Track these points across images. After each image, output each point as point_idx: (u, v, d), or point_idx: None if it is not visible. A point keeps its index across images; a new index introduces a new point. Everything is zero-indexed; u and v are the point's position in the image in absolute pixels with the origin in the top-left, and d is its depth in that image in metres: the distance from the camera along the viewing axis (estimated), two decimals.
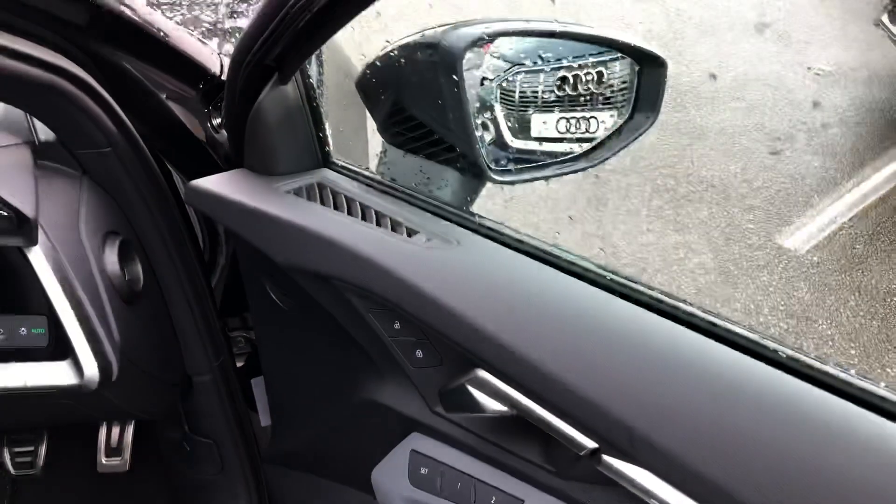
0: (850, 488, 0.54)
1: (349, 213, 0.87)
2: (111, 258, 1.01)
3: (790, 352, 0.61)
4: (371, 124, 1.01)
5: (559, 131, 1.05)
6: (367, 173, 0.94)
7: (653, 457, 0.61)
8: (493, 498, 0.78)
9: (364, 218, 0.85)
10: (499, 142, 0.99)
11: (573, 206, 3.22)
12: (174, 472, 1.47)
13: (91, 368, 0.94)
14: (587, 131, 1.04)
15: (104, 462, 1.62)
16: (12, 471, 1.51)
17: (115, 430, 1.63)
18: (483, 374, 0.73)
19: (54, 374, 0.95)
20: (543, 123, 1.04)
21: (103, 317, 0.97)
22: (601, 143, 0.99)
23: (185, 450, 1.40)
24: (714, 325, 0.64)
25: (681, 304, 0.66)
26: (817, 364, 0.59)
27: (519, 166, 0.96)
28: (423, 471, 0.84)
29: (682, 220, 3.18)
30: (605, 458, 0.65)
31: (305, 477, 1.16)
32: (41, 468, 1.52)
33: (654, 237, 3.06)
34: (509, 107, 1.02)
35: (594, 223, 3.14)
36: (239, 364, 1.35)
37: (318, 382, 1.04)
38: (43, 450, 1.53)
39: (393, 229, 0.83)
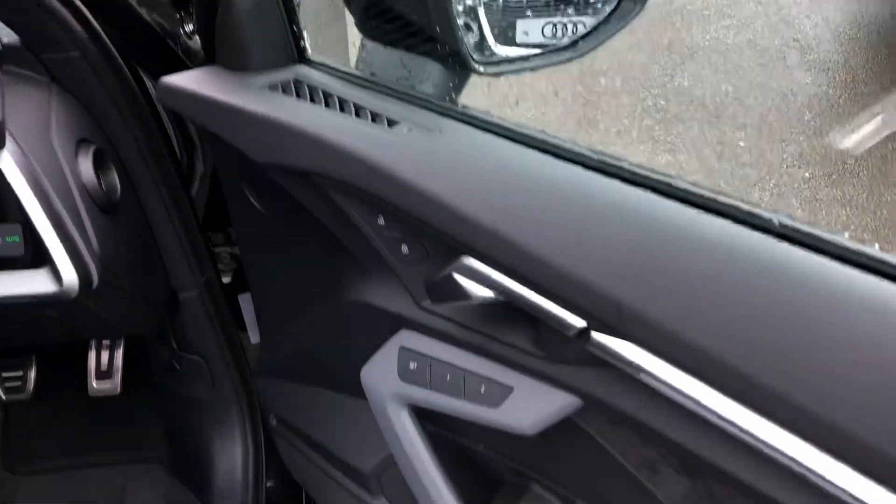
0: (851, 348, 0.52)
1: (327, 106, 0.83)
2: (86, 166, 0.98)
3: (783, 219, 0.59)
4: (349, 18, 0.97)
5: (545, 36, 1.01)
6: (344, 69, 0.91)
7: (642, 330, 0.60)
8: (483, 387, 0.77)
9: (342, 111, 0.82)
10: (482, 46, 0.96)
11: (563, 129, 3.17)
12: (165, 392, 1.47)
13: (70, 275, 0.92)
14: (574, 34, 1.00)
15: (95, 386, 1.61)
16: (3, 395, 1.50)
17: (105, 354, 1.63)
18: (469, 260, 0.71)
19: (32, 282, 0.93)
20: (525, 34, 1.00)
21: (80, 225, 0.95)
22: (588, 33, 0.96)
23: (174, 368, 1.39)
24: (702, 196, 0.62)
25: (666, 178, 0.64)
26: (811, 230, 0.57)
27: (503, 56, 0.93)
28: (412, 366, 0.83)
29: (672, 140, 3.14)
30: (595, 336, 0.64)
31: (296, 387, 1.15)
32: (31, 393, 1.52)
33: (645, 157, 3.03)
34: (493, 9, 0.98)
35: (584, 144, 3.10)
36: (225, 280, 1.34)
37: (303, 289, 1.02)
38: (32, 374, 1.52)
39: (373, 120, 0.80)
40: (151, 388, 1.55)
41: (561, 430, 0.80)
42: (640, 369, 0.61)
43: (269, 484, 1.42)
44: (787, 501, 0.59)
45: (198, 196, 1.32)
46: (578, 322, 0.64)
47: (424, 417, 0.87)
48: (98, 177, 1.00)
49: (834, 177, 2.95)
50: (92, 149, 0.99)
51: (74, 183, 0.96)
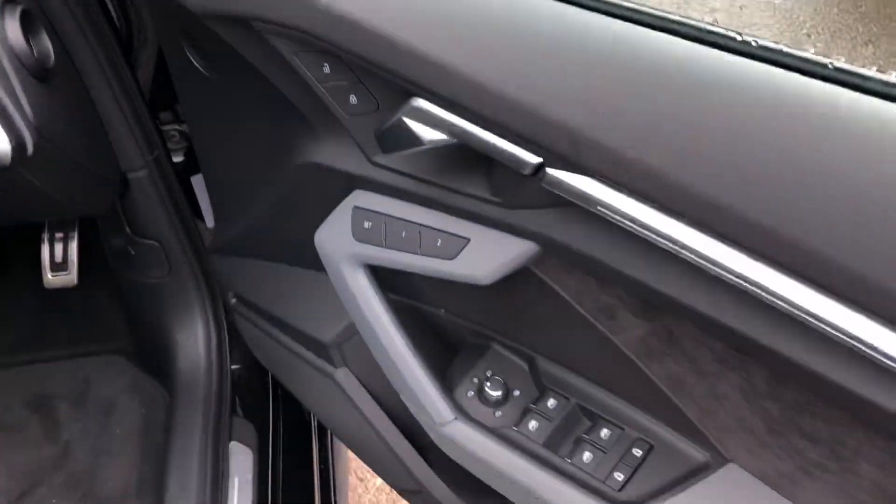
0: (818, 166, 0.50)
1: None
2: (12, 27, 0.92)
3: (763, 42, 0.55)
4: None
5: None
6: None
7: (599, 160, 0.57)
8: (439, 240, 0.74)
9: None
10: None
11: None
12: (123, 280, 1.43)
13: (2, 142, 0.87)
14: None
15: (50, 278, 1.58)
16: None
17: (59, 246, 1.59)
18: (419, 102, 0.67)
19: None
20: None
21: (10, 89, 0.89)
22: None
23: (130, 255, 1.35)
24: (659, 16, 0.58)
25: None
26: (797, 52, 0.54)
27: None
28: (367, 224, 0.80)
29: None
30: (550, 172, 0.61)
31: (253, 263, 1.12)
32: None
33: None
34: None
35: None
36: (177, 160, 1.29)
37: (253, 157, 0.98)
38: None
39: None
40: (109, 279, 1.52)
41: (518, 283, 0.79)
42: (598, 203, 0.59)
43: (234, 367, 1.41)
44: (748, 331, 0.58)
45: (143, 74, 1.26)
46: (532, 158, 0.62)
47: (384, 287, 0.85)
48: (28, 41, 0.94)
49: None
50: (19, 9, 0.93)
51: (2, 45, 0.90)
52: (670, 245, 0.57)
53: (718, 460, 0.75)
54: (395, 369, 0.84)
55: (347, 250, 0.81)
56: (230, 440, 1.34)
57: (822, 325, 0.52)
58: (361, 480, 1.84)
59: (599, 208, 0.59)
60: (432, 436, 0.87)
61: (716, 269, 0.55)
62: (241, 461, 1.32)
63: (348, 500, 1.64)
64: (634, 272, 0.62)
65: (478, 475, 0.86)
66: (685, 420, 0.75)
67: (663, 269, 0.61)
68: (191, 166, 1.30)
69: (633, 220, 0.58)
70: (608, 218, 0.60)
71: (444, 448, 0.87)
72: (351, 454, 1.53)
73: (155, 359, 1.48)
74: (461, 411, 0.84)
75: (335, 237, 0.83)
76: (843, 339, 0.52)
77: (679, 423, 0.76)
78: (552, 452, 0.80)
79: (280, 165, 0.91)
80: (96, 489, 1.41)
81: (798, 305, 0.53)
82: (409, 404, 0.87)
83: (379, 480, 1.82)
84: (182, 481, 1.25)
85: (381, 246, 0.79)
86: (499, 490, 0.85)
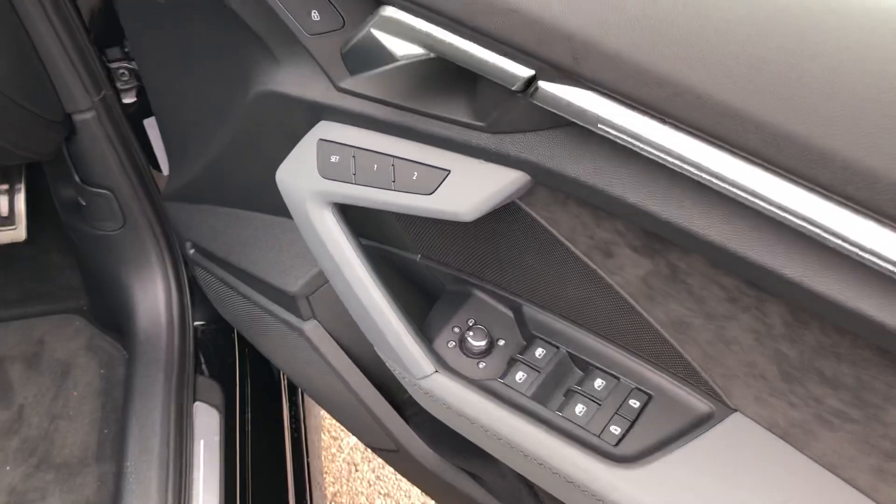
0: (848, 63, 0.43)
1: None
2: None
3: None
4: None
5: None
6: None
7: (601, 67, 0.50)
8: (415, 173, 0.66)
9: None
10: None
11: None
12: (75, 234, 1.34)
13: None
14: None
15: None
16: None
17: (4, 200, 1.48)
18: (390, 11, 0.59)
19: None
20: None
21: None
22: None
23: (81, 206, 1.26)
24: None
25: None
26: None
27: None
28: (333, 159, 0.72)
29: None
30: (543, 86, 0.53)
31: (212, 209, 1.03)
32: None
33: None
34: None
35: None
36: (128, 101, 1.19)
37: (207, 91, 0.89)
38: None
39: None
40: (61, 232, 1.43)
41: (503, 220, 0.71)
42: (598, 120, 0.51)
43: (198, 324, 1.33)
44: (769, 262, 0.51)
45: (86, 6, 1.15)
46: (524, 71, 0.54)
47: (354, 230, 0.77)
48: None
49: None
50: None
51: None
52: (682, 165, 0.49)
53: (723, 410, 0.69)
54: (369, 320, 0.77)
55: (313, 188, 0.73)
56: (194, 400, 1.26)
57: (857, 250, 0.46)
58: (335, 440, 1.77)
59: (600, 126, 0.52)
60: (411, 391, 0.80)
61: (734, 189, 0.48)
62: (207, 422, 1.25)
63: (321, 461, 1.58)
64: (639, 199, 0.55)
65: (461, 432, 0.80)
66: (687, 367, 0.68)
67: (672, 195, 0.54)
68: (143, 108, 1.20)
69: (639, 138, 0.50)
70: (610, 137, 0.52)
71: (423, 404, 0.80)
72: (324, 412, 1.46)
73: (112, 316, 1.39)
74: (441, 363, 0.77)
75: (299, 174, 0.75)
76: (880, 265, 0.45)
77: (680, 371, 0.70)
78: (541, 405, 0.73)
79: (236, 98, 0.82)
80: (53, 455, 1.33)
81: (828, 228, 0.46)
82: (384, 358, 0.80)
83: (353, 439, 1.76)
84: (143, 444, 1.18)
85: (350, 182, 0.71)
86: (484, 448, 0.79)
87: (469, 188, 0.64)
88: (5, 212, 1.45)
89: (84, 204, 1.25)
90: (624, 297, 0.68)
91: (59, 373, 1.44)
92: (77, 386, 1.42)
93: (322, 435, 1.77)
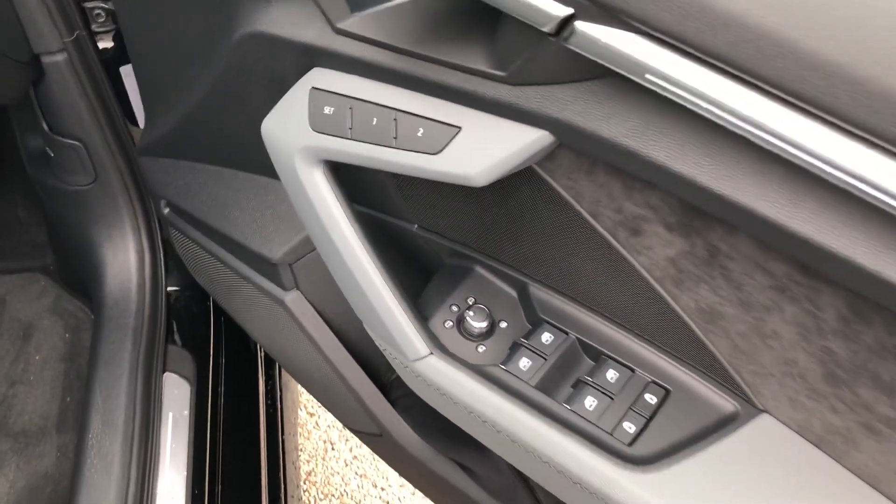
0: None
1: None
2: None
3: None
4: None
5: None
6: None
7: (656, 3, 0.42)
8: (421, 130, 0.58)
9: None
10: None
11: None
12: (43, 188, 1.24)
13: None
14: None
15: None
16: None
17: None
18: None
19: None
20: None
21: None
22: None
23: (49, 157, 1.17)
24: None
25: None
26: None
27: None
28: (327, 110, 0.63)
29: None
30: (580, 27, 0.45)
31: (189, 165, 0.95)
32: None
33: None
34: None
35: None
36: (103, 45, 1.09)
37: (187, 32, 0.80)
38: None
39: None
40: (28, 186, 1.33)
41: (514, 188, 0.64)
42: (646, 69, 0.44)
43: (171, 289, 1.25)
44: (834, 244, 0.44)
45: None
46: (560, 10, 0.46)
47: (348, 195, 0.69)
48: None
49: None
50: None
51: None
52: (746, 127, 0.42)
53: (750, 410, 0.61)
54: (359, 293, 0.69)
55: (302, 142, 0.65)
56: (164, 371, 1.18)
57: None
58: (312, 416, 1.70)
59: (648, 77, 0.44)
60: (401, 373, 0.73)
61: (805, 157, 0.41)
62: (177, 395, 1.17)
63: (297, 438, 1.50)
64: (686, 167, 0.47)
65: (455, 420, 0.72)
66: (713, 361, 0.61)
67: (724, 163, 0.46)
68: (120, 55, 1.11)
69: (696, 93, 0.43)
70: (659, 91, 0.44)
71: (414, 388, 0.73)
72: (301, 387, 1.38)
73: (80, 277, 1.30)
74: (437, 345, 0.69)
75: (287, 126, 0.66)
76: None
77: (705, 366, 0.63)
78: (547, 396, 0.66)
79: (220, 40, 0.73)
80: (10, 422, 1.25)
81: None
82: (374, 336, 0.73)
83: (332, 416, 1.69)
84: (107, 416, 1.10)
85: (346, 137, 0.62)
86: (479, 439, 0.71)
87: (482, 149, 0.56)
88: None
89: (52, 155, 1.16)
90: (647, 280, 0.60)
91: (21, 335, 1.35)
92: (40, 349, 1.33)
93: (298, 411, 1.69)
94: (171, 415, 1.15)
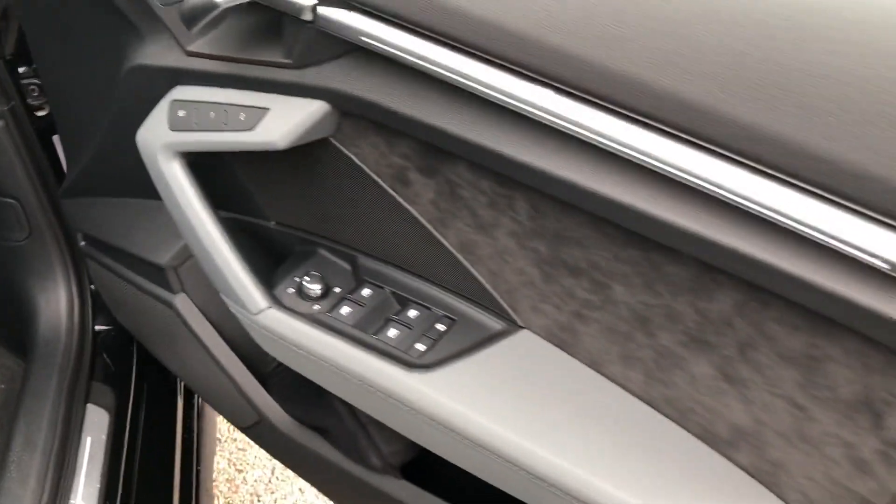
0: None
1: None
2: None
3: None
4: None
5: None
6: None
7: None
8: (242, 115, 0.77)
9: None
10: None
11: None
12: None
13: None
14: None
15: None
16: None
17: None
18: None
19: None
20: None
21: None
22: None
23: None
24: None
25: None
26: None
27: None
28: (181, 114, 0.82)
29: None
30: (322, 11, 0.65)
31: (100, 200, 1.13)
32: None
33: None
34: None
35: None
36: (39, 114, 1.29)
37: (91, 79, 1.00)
38: None
39: None
40: None
41: (327, 165, 0.81)
42: (377, 40, 0.63)
43: (99, 328, 1.39)
44: (507, 149, 0.62)
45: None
46: (309, 0, 0.65)
47: (215, 205, 0.87)
48: None
49: None
50: None
51: None
52: (437, 71, 0.61)
53: (512, 328, 0.78)
54: (208, 258, 0.85)
55: (163, 141, 0.83)
56: (87, 402, 1.31)
57: (564, 124, 0.57)
58: (240, 472, 1.80)
59: (364, 40, 0.63)
60: (250, 331, 0.88)
61: (482, 88, 0.60)
62: (96, 422, 1.30)
63: (212, 469, 1.60)
64: (415, 111, 0.66)
65: (296, 367, 0.87)
66: (481, 288, 0.78)
67: (440, 104, 0.65)
68: (53, 125, 1.30)
69: (404, 50, 0.62)
70: (388, 56, 0.63)
71: (260, 342, 0.88)
72: (220, 421, 1.51)
73: (16, 331, 1.44)
74: (276, 301, 0.85)
75: (153, 132, 0.85)
76: (577, 132, 0.56)
77: (477, 294, 0.79)
78: (360, 331, 0.82)
79: (114, 77, 0.93)
80: None
81: (546, 108, 0.57)
82: (223, 295, 0.88)
83: (258, 471, 1.79)
84: (29, 437, 1.22)
85: (193, 130, 0.81)
86: (315, 380, 0.86)
87: (281, 121, 0.74)
88: None
89: None
90: (425, 226, 0.78)
91: None
92: None
93: (226, 466, 1.80)
94: (89, 439, 1.27)
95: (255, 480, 1.79)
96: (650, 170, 0.55)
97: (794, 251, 0.52)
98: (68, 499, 1.18)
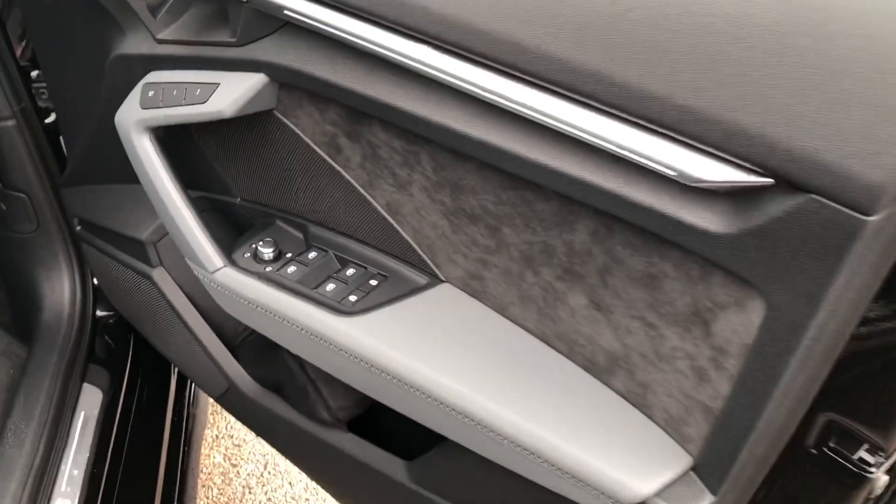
0: None
1: None
2: None
3: None
4: None
5: None
6: None
7: None
8: (198, 91, 0.87)
9: None
10: None
11: None
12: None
13: None
14: None
15: None
16: None
17: None
18: None
19: None
20: None
21: None
22: None
23: (2, 210, 1.47)
24: None
25: None
26: None
27: None
28: (150, 94, 0.93)
29: None
30: None
31: (94, 188, 1.24)
32: None
33: None
34: None
35: None
36: (49, 121, 1.42)
37: (83, 73, 1.12)
38: None
39: None
40: None
41: (275, 139, 0.92)
42: (292, 10, 0.73)
43: (100, 314, 1.50)
44: (400, 103, 0.71)
45: (13, 27, 1.40)
46: None
47: (190, 187, 0.97)
48: None
49: None
50: None
51: None
52: (356, 41, 0.71)
53: (435, 282, 0.86)
54: (171, 221, 0.95)
55: (135, 118, 0.94)
56: (83, 382, 1.42)
57: (441, 76, 0.66)
58: (234, 466, 1.89)
59: (287, 13, 0.73)
60: (207, 287, 0.97)
61: (390, 54, 0.70)
62: (90, 399, 1.40)
63: (203, 437, 1.68)
64: (334, 77, 0.76)
65: (249, 323, 0.96)
66: (409, 248, 0.87)
67: (357, 71, 0.75)
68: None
69: (327, 24, 0.72)
70: (308, 27, 0.74)
71: (218, 299, 0.98)
72: (210, 405, 1.60)
73: (23, 319, 1.56)
74: (231, 261, 0.95)
75: (128, 111, 0.96)
76: (465, 87, 0.66)
77: (406, 252, 0.88)
78: (303, 286, 0.91)
79: (101, 70, 1.05)
80: None
81: (427, 64, 0.67)
82: (185, 255, 0.98)
83: (251, 465, 1.88)
84: (27, 407, 1.33)
85: (159, 107, 0.92)
86: (264, 332, 0.95)
87: (229, 93, 0.85)
88: None
89: (4, 208, 1.45)
90: (357, 190, 0.87)
91: None
92: None
93: (221, 460, 1.89)
94: (82, 413, 1.37)
95: (248, 474, 1.87)
96: (511, 113, 0.64)
97: (612, 171, 0.60)
98: (59, 464, 1.28)
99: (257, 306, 0.92)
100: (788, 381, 0.58)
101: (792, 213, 0.53)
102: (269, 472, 1.87)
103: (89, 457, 1.31)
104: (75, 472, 1.28)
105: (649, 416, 0.71)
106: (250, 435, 1.94)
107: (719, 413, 0.64)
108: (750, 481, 0.66)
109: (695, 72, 0.55)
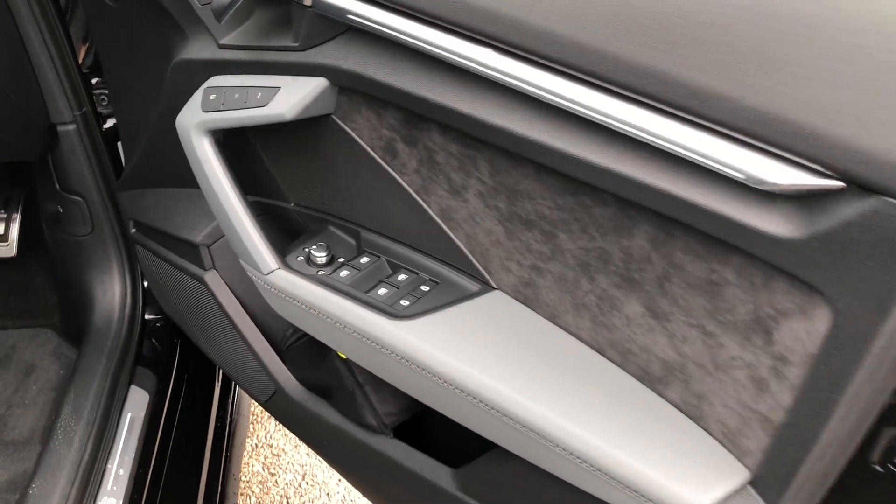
0: None
1: None
2: None
3: None
4: None
5: None
6: None
7: None
8: (259, 94, 0.89)
9: None
10: None
11: None
12: (54, 243, 1.57)
13: None
14: None
15: None
16: None
17: (1, 223, 1.74)
18: None
19: None
20: None
21: None
22: None
23: (59, 213, 1.50)
24: None
25: None
26: None
27: None
28: (212, 97, 0.95)
29: None
30: None
31: (151, 192, 1.27)
32: None
33: None
34: None
35: None
36: (107, 126, 1.45)
37: (146, 77, 1.14)
38: None
39: None
40: (47, 257, 1.66)
41: (332, 144, 0.93)
42: (355, 14, 0.74)
43: (149, 317, 1.53)
44: (467, 108, 0.72)
45: (76, 32, 1.43)
46: None
47: (246, 192, 0.98)
48: None
49: None
50: None
51: None
52: (429, 48, 0.72)
53: (486, 289, 0.86)
54: (228, 223, 0.97)
55: (196, 120, 0.96)
56: (130, 384, 1.44)
57: (497, 76, 0.67)
58: (272, 475, 1.89)
59: (356, 20, 0.75)
60: (260, 288, 0.98)
61: (452, 57, 0.70)
62: (137, 401, 1.42)
63: (242, 456, 1.69)
64: (393, 80, 0.77)
65: (301, 326, 0.97)
66: (461, 253, 0.87)
67: (416, 74, 0.75)
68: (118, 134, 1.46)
69: (393, 29, 0.73)
70: (370, 31, 0.75)
71: (269, 299, 0.98)
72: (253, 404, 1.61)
73: (75, 322, 1.59)
74: (285, 263, 0.96)
75: (189, 114, 0.98)
76: (523, 88, 0.66)
77: (458, 259, 0.88)
78: (355, 289, 0.91)
79: (163, 72, 1.07)
80: (3, 435, 1.50)
81: (489, 65, 0.68)
82: (242, 261, 0.99)
83: (289, 475, 1.88)
84: (76, 406, 1.35)
85: (220, 110, 0.93)
86: (315, 334, 0.96)
87: (290, 97, 0.86)
88: (1, 231, 1.71)
89: (62, 211, 1.49)
90: (412, 196, 0.88)
91: (24, 371, 1.63)
92: (37, 382, 1.60)
93: (260, 469, 1.89)
94: (129, 415, 1.39)
95: (286, 484, 1.88)
96: (573, 115, 0.64)
97: (676, 174, 0.60)
98: (105, 463, 1.30)
99: (310, 308, 0.92)
100: (854, 392, 0.57)
101: (863, 216, 0.52)
102: (307, 483, 1.87)
103: (135, 457, 1.33)
104: (121, 472, 1.29)
105: (705, 428, 0.70)
106: (289, 445, 1.95)
107: (779, 425, 0.63)
108: (810, 497, 0.65)
109: (763, 73, 0.55)
